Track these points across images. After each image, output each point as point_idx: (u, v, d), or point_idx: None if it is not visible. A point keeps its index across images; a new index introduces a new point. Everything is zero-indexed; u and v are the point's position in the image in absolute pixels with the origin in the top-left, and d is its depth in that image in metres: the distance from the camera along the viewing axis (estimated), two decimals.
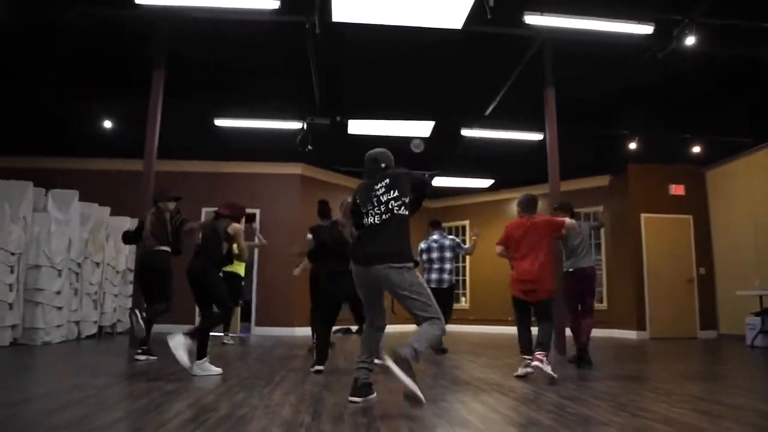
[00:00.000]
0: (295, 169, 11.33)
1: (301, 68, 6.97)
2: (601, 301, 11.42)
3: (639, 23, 5.60)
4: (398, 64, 7.17)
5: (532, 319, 4.68)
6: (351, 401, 3.19)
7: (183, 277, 4.61)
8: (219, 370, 4.39)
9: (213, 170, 11.19)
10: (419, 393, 2.79)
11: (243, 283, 8.64)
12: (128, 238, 6.09)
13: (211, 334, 4.48)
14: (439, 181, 11.88)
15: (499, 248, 4.90)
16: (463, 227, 14.12)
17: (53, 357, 5.76)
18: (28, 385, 3.73)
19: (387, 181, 3.38)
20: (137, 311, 5.53)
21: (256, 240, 8.12)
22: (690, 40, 5.75)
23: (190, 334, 4.25)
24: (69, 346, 7.01)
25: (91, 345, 7.41)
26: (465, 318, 13.50)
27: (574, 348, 5.49)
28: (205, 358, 4.35)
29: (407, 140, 8.99)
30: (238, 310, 9.59)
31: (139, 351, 5.39)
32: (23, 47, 6.76)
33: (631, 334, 10.31)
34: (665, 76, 7.20)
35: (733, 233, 9.97)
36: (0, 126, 9.15)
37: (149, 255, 5.58)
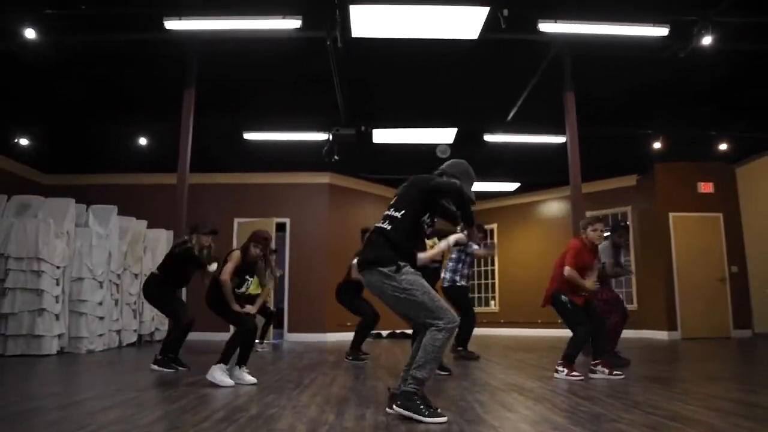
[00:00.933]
0: (323, 178, 11.59)
1: (325, 81, 7.20)
2: (631, 302, 11.37)
3: (654, 25, 5.65)
4: (419, 73, 7.34)
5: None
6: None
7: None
8: (230, 382, 4.24)
9: (243, 182, 11.54)
10: (439, 420, 2.81)
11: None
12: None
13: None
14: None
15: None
16: (491, 231, 14.18)
17: (97, 364, 6.08)
18: (77, 390, 4.01)
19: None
20: None
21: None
22: (707, 40, 5.77)
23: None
24: (111, 354, 7.36)
25: (131, 353, 7.76)
26: (495, 321, 13.55)
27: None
28: (221, 365, 4.32)
29: (431, 147, 9.16)
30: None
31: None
32: (62, 70, 7.15)
33: (662, 335, 10.24)
34: (687, 73, 7.17)
35: (766, 230, 9.83)
36: (43, 146, 9.64)
37: None
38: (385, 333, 11.61)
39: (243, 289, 4.72)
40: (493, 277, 14.00)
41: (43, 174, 11.25)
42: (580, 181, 7.45)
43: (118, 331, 8.44)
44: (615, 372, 4.56)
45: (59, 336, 7.12)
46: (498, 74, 7.40)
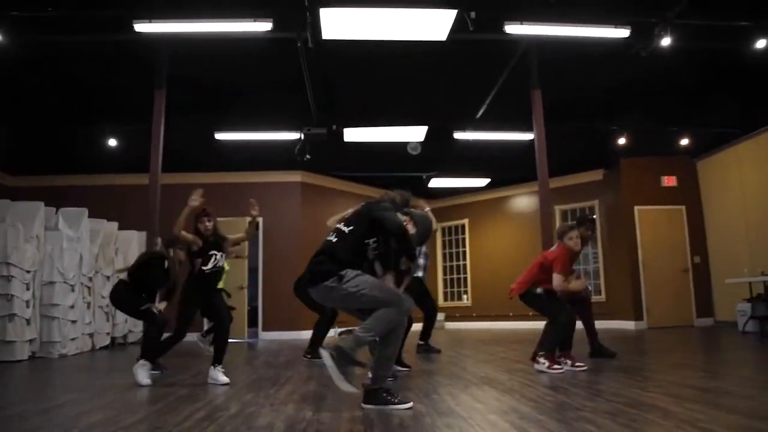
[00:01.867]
0: (295, 177, 11.64)
1: (296, 81, 7.26)
2: (599, 293, 11.69)
3: (616, 27, 5.85)
4: (389, 72, 7.45)
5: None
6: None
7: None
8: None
9: (215, 181, 11.48)
10: (348, 387, 3.04)
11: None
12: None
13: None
14: (436, 182, 12.16)
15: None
16: (462, 226, 14.39)
17: (71, 368, 6.06)
18: (55, 394, 4.03)
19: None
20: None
21: None
22: (666, 41, 6.00)
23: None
24: (84, 358, 7.32)
25: (105, 355, 7.72)
26: (468, 315, 13.77)
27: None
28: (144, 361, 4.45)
29: (402, 145, 9.30)
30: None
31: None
32: (30, 71, 7.07)
33: (629, 325, 10.56)
34: (650, 72, 7.42)
35: (726, 222, 10.21)
36: (8, 147, 9.48)
37: None
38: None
39: (211, 266, 4.60)
40: (464, 272, 14.22)
41: (9, 176, 11.05)
42: (548, 176, 7.67)
43: (91, 335, 8.38)
44: (554, 366, 4.55)
45: (31, 341, 7.05)
46: (467, 73, 7.55)
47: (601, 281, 11.86)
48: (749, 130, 9.51)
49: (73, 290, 7.76)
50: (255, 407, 3.24)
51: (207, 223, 4.63)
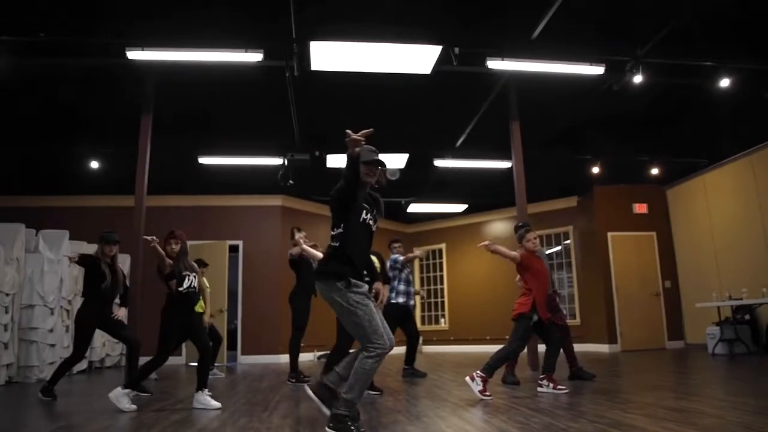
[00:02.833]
0: (276, 200, 11.73)
1: (281, 108, 7.42)
2: (574, 317, 11.95)
3: (591, 65, 6.17)
4: (373, 101, 7.66)
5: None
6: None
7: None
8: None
9: (196, 204, 11.53)
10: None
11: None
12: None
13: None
14: (415, 207, 12.37)
15: None
16: (440, 250, 14.60)
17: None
18: (46, 420, 4.03)
19: None
20: None
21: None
22: (638, 78, 6.33)
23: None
24: (63, 382, 7.17)
25: (83, 380, 7.64)
26: (445, 338, 13.91)
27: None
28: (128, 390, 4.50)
29: (382, 171, 9.47)
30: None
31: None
32: (12, 91, 7.07)
33: (603, 348, 10.81)
34: (622, 104, 7.77)
35: (695, 247, 10.60)
36: None
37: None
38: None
39: (186, 285, 4.67)
40: (442, 296, 14.39)
41: None
42: (526, 202, 7.93)
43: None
44: (559, 387, 4.88)
45: (8, 365, 6.96)
46: (448, 103, 7.81)
47: (576, 305, 12.14)
48: (715, 160, 9.96)
49: (52, 313, 7.69)
50: None
51: (174, 246, 4.80)
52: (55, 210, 10.73)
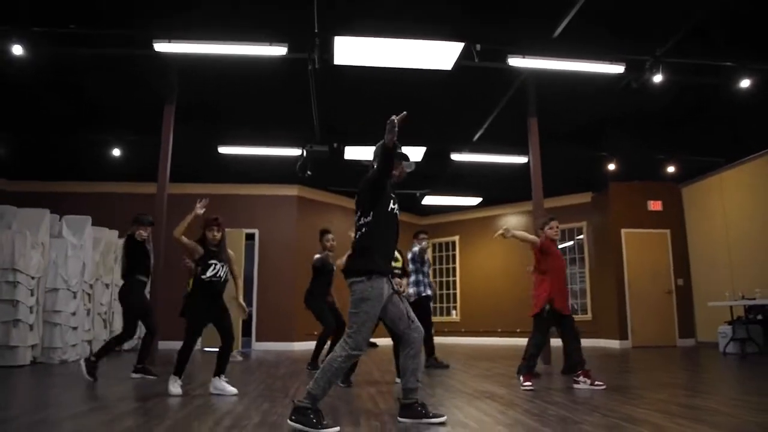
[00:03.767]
0: (292, 190, 11.86)
1: (302, 100, 7.51)
2: (586, 312, 12.01)
3: (611, 63, 6.20)
4: (393, 95, 7.72)
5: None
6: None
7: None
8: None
9: (215, 192, 11.65)
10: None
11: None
12: None
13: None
14: (429, 200, 12.45)
15: None
16: (453, 243, 14.68)
17: (76, 375, 6.17)
18: (76, 400, 4.19)
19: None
20: None
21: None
22: (657, 77, 6.35)
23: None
24: None
25: (103, 363, 7.79)
26: (456, 330, 14.02)
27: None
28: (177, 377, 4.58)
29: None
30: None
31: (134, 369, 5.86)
32: (39, 80, 7.21)
33: (614, 344, 10.88)
34: (640, 102, 7.79)
35: (708, 246, 10.61)
36: (18, 152, 9.61)
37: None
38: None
39: (210, 274, 4.66)
40: (454, 288, 14.49)
41: (8, 180, 11.15)
42: (542, 198, 7.99)
43: (90, 341, 8.49)
44: (596, 383, 4.82)
45: (33, 346, 7.17)
46: (467, 99, 7.86)
47: (588, 300, 12.19)
48: (732, 159, 9.94)
49: (75, 297, 7.89)
50: (276, 417, 3.45)
51: (216, 233, 4.77)
52: (78, 196, 10.94)
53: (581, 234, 12.57)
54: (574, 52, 6.08)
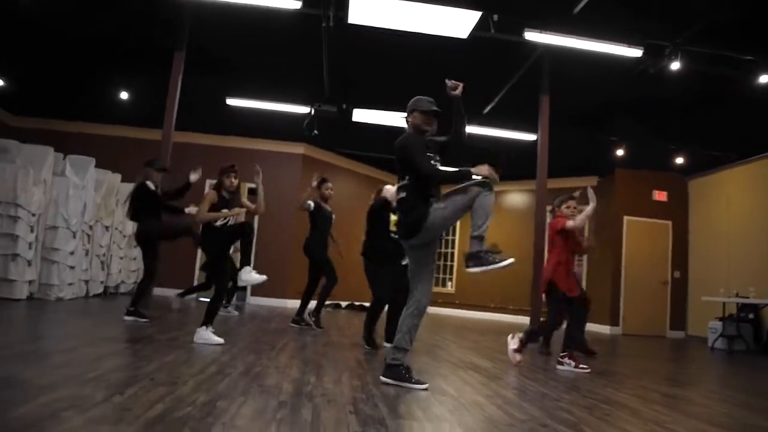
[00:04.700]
0: (298, 148, 11.81)
1: (313, 57, 7.42)
2: None
3: (629, 47, 6.08)
4: (405, 60, 7.63)
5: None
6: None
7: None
8: (220, 340, 4.46)
9: (221, 144, 11.65)
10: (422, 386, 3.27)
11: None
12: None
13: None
14: None
15: None
16: None
17: (70, 312, 6.28)
18: (69, 336, 4.26)
19: None
20: None
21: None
22: (675, 65, 6.24)
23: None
24: (79, 303, 7.53)
25: (98, 303, 7.94)
26: (450, 302, 14.12)
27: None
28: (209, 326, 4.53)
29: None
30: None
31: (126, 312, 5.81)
32: (50, 12, 7.12)
33: (605, 329, 10.96)
34: (655, 89, 7.67)
35: (708, 241, 10.59)
36: (23, 86, 9.55)
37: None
38: (344, 304, 12.08)
39: (221, 223, 4.69)
40: (452, 260, 14.54)
41: (12, 115, 11.11)
42: (546, 177, 7.95)
43: (86, 281, 8.58)
44: (581, 366, 4.72)
45: (30, 282, 7.25)
46: (480, 70, 7.74)
47: (583, 284, 12.22)
48: (743, 156, 9.83)
49: (74, 237, 7.94)
50: (260, 368, 3.50)
51: (234, 179, 4.84)
52: (83, 137, 10.90)
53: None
54: (594, 32, 5.97)
